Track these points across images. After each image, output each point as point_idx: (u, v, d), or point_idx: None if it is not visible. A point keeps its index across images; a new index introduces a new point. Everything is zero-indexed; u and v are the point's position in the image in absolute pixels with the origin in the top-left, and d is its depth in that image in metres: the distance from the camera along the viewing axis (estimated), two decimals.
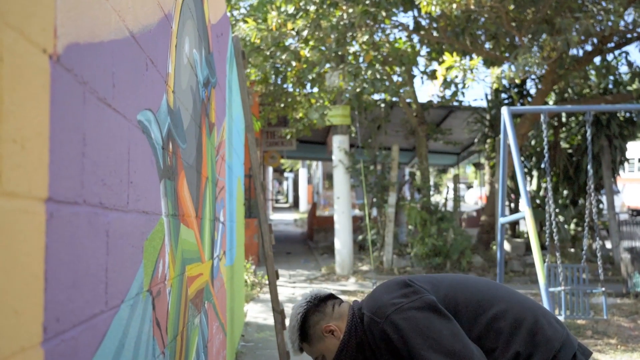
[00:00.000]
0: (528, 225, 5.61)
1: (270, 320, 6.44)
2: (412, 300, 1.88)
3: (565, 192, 13.04)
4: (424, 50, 11.54)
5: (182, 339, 2.23)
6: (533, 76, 11.81)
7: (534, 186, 13.62)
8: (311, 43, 9.97)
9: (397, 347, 1.86)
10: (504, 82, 8.48)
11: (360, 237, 12.87)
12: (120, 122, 1.35)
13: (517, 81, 8.62)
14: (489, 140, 13.22)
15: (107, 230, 1.25)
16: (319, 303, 2.14)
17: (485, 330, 1.88)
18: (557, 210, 12.00)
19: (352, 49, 10.42)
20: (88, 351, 1.14)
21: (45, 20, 0.93)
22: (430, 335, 1.80)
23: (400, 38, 11.24)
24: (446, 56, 8.40)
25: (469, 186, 37.70)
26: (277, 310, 4.32)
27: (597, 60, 10.98)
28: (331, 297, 2.17)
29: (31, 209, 0.88)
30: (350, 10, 9.11)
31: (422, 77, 11.84)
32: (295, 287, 9.60)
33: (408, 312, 1.86)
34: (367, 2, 9.12)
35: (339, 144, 11.32)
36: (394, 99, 11.60)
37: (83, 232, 1.10)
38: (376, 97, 11.82)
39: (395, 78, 11.41)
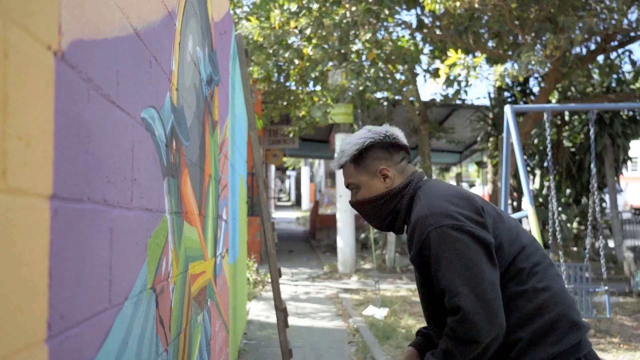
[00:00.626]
0: (531, 224, 5.61)
1: (272, 318, 6.44)
2: (474, 228, 1.70)
3: (568, 190, 13.03)
4: (427, 49, 11.54)
5: (185, 336, 2.23)
6: (536, 74, 11.80)
7: (536, 185, 13.61)
8: (314, 41, 9.97)
9: (429, 257, 1.70)
10: (507, 80, 8.47)
11: (362, 236, 12.88)
12: (124, 119, 1.35)
13: (520, 79, 8.61)
14: (491, 139, 13.21)
15: (111, 227, 1.25)
16: (393, 145, 1.95)
17: (506, 306, 1.71)
18: (559, 209, 11.98)
19: (355, 47, 10.41)
20: (92, 348, 1.14)
21: (50, 17, 0.93)
22: (472, 268, 1.65)
23: (403, 36, 11.24)
24: (450, 53, 8.38)
25: (472, 185, 37.67)
26: (280, 308, 4.32)
27: (600, 58, 10.97)
28: (405, 149, 1.98)
29: (36, 205, 0.88)
30: (353, 9, 9.10)
31: (424, 76, 11.83)
32: (297, 285, 9.60)
33: (463, 235, 1.68)
34: (370, 0, 9.11)
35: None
36: (397, 97, 11.60)
37: (87, 229, 1.10)
38: (379, 95, 11.82)
39: (398, 76, 11.40)
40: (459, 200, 1.77)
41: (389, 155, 1.94)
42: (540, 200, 12.96)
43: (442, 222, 1.69)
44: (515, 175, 12.36)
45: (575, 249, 12.23)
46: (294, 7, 9.77)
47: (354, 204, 1.99)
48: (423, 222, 1.73)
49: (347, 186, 2.00)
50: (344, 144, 1.99)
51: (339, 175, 11.37)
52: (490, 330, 1.62)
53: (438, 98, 11.71)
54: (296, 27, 9.67)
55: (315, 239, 16.90)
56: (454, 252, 1.66)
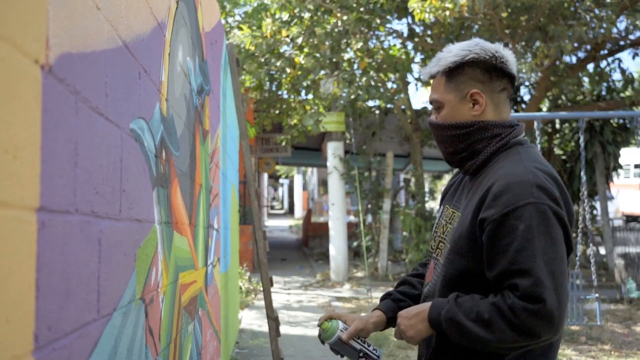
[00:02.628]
0: None
1: (264, 327, 6.42)
2: (568, 227, 1.51)
3: None
4: (418, 57, 11.59)
5: (176, 346, 2.22)
6: (527, 83, 11.87)
7: None
8: (306, 50, 10.00)
9: (515, 228, 1.45)
10: None
11: (355, 244, 12.87)
12: (113, 131, 1.36)
13: None
14: None
15: (100, 238, 1.26)
16: (498, 69, 1.63)
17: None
18: None
19: (346, 56, 10.45)
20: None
21: (38, 31, 0.94)
22: (560, 264, 1.45)
23: (395, 45, 11.29)
24: None
25: None
26: (272, 317, 4.31)
27: (590, 67, 11.05)
28: (511, 80, 1.67)
29: (23, 218, 0.88)
30: (345, 18, 9.15)
31: (416, 84, 11.87)
32: (290, 294, 9.58)
33: (560, 227, 1.48)
34: (362, 9, 9.15)
35: (333, 150, 11.34)
36: (389, 105, 11.63)
37: (75, 241, 1.11)
38: (371, 103, 11.86)
39: (389, 85, 11.44)
40: (561, 192, 1.54)
41: (489, 79, 1.63)
42: None
43: (547, 202, 1.47)
44: None
45: None
46: (285, 16, 9.81)
47: (431, 125, 1.71)
48: (525, 188, 1.48)
49: (431, 102, 1.71)
50: (445, 51, 1.68)
51: (331, 183, 11.36)
52: (553, 334, 1.44)
53: (430, 106, 11.71)
54: (288, 36, 9.71)
55: (308, 247, 16.88)
56: (550, 239, 1.45)
